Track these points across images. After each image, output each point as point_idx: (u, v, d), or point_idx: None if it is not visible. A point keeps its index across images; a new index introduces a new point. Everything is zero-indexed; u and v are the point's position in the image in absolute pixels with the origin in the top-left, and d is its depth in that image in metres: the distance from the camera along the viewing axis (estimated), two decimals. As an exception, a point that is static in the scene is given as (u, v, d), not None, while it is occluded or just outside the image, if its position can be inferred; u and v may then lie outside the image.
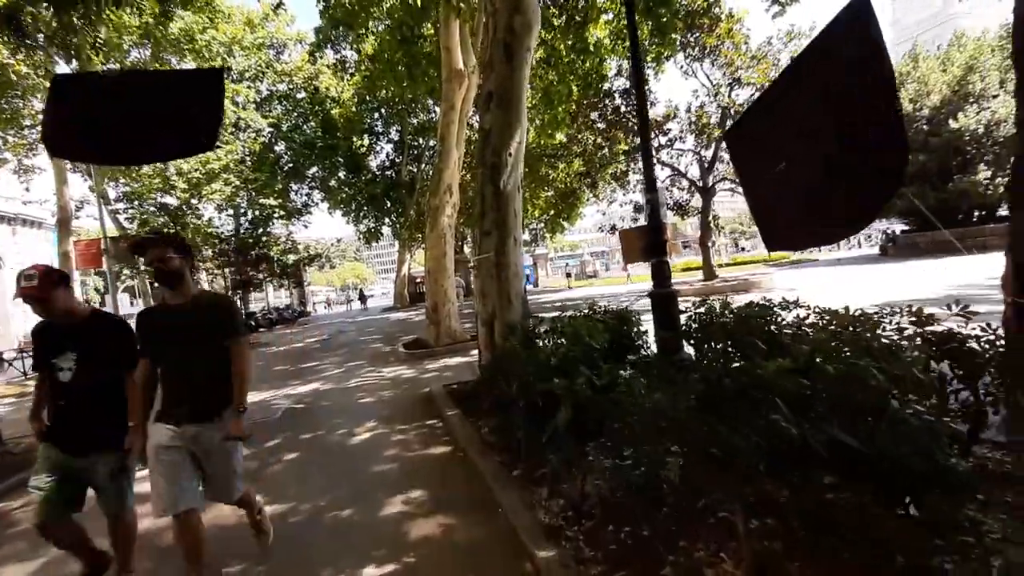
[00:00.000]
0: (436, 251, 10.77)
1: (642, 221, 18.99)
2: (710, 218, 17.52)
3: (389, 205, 31.40)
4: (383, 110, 29.79)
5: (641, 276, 30.08)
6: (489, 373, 4.85)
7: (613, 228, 20.20)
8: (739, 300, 4.13)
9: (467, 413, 5.19)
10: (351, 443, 4.98)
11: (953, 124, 19.58)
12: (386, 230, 34.02)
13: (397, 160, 32.04)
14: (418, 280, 36.56)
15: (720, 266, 29.62)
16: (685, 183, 20.07)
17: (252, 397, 8.41)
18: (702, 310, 4.99)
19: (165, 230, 14.65)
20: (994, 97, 19.62)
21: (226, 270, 16.94)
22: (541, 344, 4.87)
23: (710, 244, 17.69)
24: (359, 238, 36.25)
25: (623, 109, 17.78)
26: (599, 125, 18.46)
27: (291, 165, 29.39)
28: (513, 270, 5.88)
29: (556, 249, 63.87)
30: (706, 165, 17.17)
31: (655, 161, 17.99)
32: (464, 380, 6.79)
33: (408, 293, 31.77)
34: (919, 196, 20.86)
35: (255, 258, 18.26)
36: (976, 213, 21.70)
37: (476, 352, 9.63)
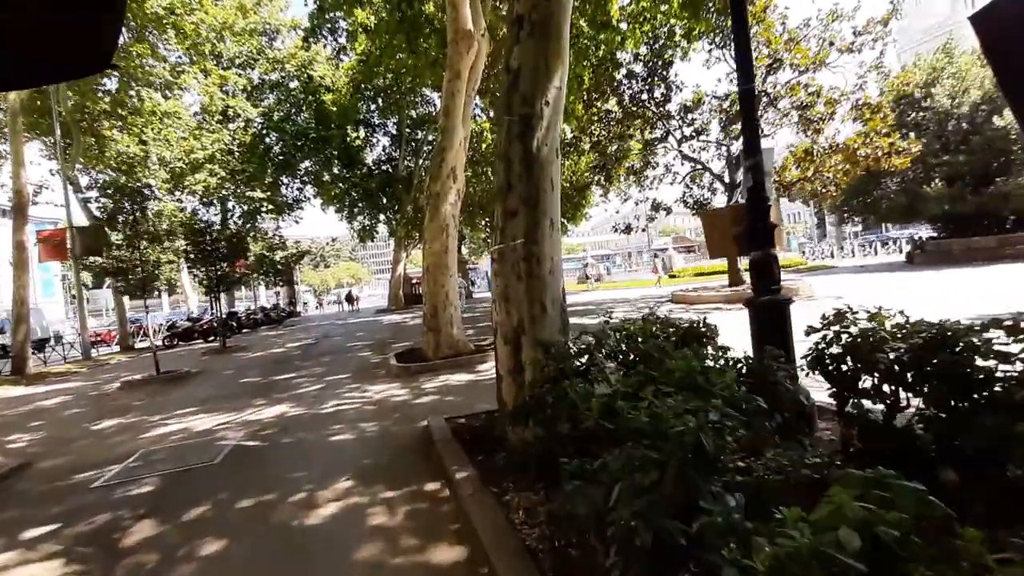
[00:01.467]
0: (436, 245, 9.06)
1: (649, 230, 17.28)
2: (737, 217, 15.90)
3: (385, 201, 29.71)
4: (379, 100, 28.21)
5: (667, 280, 28.65)
6: (526, 425, 3.16)
7: (628, 228, 18.57)
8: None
9: (486, 475, 3.48)
10: (308, 524, 3.25)
11: (998, 121, 18.05)
12: (382, 228, 32.40)
13: (394, 154, 30.46)
14: (414, 281, 34.85)
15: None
16: (706, 180, 18.49)
17: (198, 424, 6.62)
18: (837, 326, 3.39)
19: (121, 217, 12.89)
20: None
21: (204, 267, 15.11)
22: (598, 374, 3.20)
23: (737, 246, 16.03)
24: (353, 236, 34.62)
25: (644, 97, 16.16)
26: (615, 112, 16.84)
27: (282, 157, 27.77)
28: (549, 265, 4.21)
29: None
30: (733, 158, 15.56)
31: (677, 152, 16.37)
32: (475, 412, 5.09)
33: (403, 294, 30.05)
34: (957, 199, 19.36)
35: (235, 252, 16.48)
36: (1011, 220, 20.19)
37: (483, 368, 7.97)
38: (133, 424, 6.86)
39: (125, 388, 10.21)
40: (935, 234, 23.64)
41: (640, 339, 3.93)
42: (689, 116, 15.32)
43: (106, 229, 18.39)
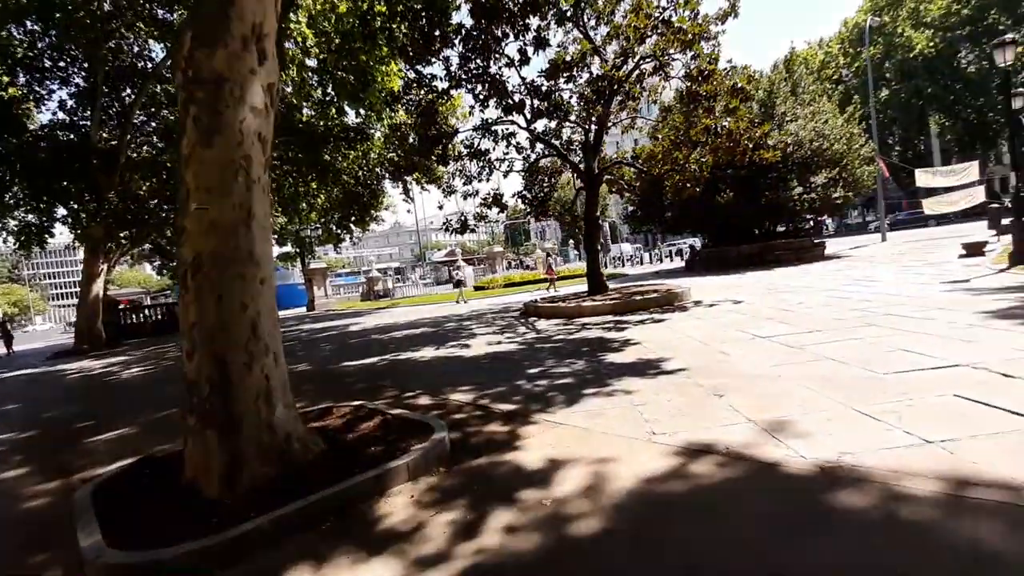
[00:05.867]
0: (222, 207, 3.54)
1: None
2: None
3: (66, 185, 19.33)
4: (53, 34, 18.45)
5: (571, 277, 25.25)
6: None
7: (464, 226, 14.50)
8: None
9: None
10: None
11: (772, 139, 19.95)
12: (62, 229, 21.48)
13: (83, 117, 20.62)
14: (120, 305, 24.36)
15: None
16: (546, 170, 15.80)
17: None
18: None
19: None
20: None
21: None
22: None
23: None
24: (6, 241, 22.51)
25: (479, 62, 12.37)
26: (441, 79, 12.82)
27: None
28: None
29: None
30: (590, 145, 13.06)
31: (524, 133, 13.12)
32: None
33: (103, 326, 20.12)
34: (732, 209, 20.63)
35: None
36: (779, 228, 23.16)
37: (390, 522, 2.42)
38: None
39: None
40: (708, 242, 26.01)
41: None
42: (550, 83, 12.19)
43: None
